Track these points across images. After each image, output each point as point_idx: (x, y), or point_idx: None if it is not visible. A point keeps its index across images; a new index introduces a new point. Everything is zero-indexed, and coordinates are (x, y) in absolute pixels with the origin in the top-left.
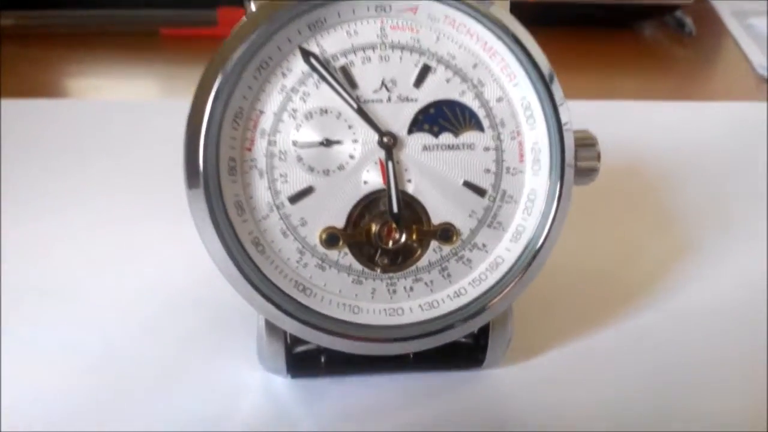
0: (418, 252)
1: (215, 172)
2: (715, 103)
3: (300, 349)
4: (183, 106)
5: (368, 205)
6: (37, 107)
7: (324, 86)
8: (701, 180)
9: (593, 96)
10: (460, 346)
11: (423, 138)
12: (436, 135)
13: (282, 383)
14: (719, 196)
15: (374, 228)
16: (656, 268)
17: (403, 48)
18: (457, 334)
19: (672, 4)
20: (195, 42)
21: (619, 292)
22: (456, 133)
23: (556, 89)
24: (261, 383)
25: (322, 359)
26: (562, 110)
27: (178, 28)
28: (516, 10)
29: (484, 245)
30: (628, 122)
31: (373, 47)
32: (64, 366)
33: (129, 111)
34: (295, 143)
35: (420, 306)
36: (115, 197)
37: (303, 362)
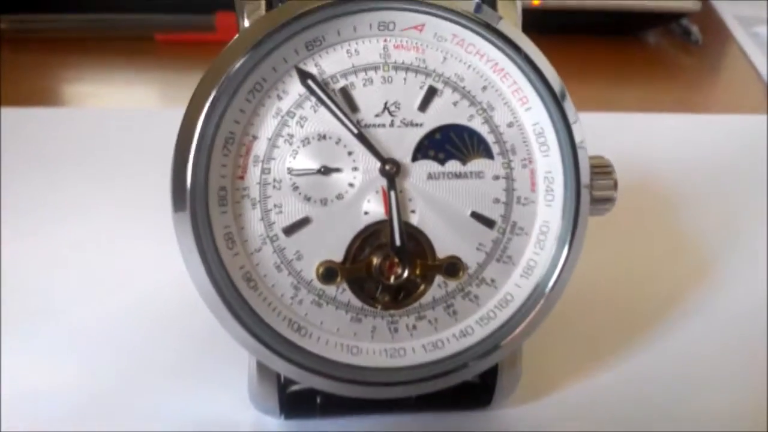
0: (422, 288)
1: (204, 202)
2: (723, 116)
3: (295, 388)
4: (181, 114)
5: (369, 237)
6: (35, 116)
7: (322, 110)
8: (711, 197)
9: (597, 106)
10: (466, 386)
11: (428, 165)
12: (442, 162)
13: (275, 423)
14: (731, 213)
15: (375, 262)
16: (670, 294)
17: (407, 69)
18: (463, 377)
19: (678, 12)
20: (194, 48)
21: (633, 321)
22: (464, 161)
23: (569, 107)
24: (252, 422)
25: (318, 400)
26: (575, 129)
27: (176, 33)
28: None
29: (492, 281)
30: (632, 135)
31: (375, 68)
32: (44, 384)
33: (127, 120)
34: (290, 171)
35: (423, 346)
36: (112, 208)
37: (298, 403)
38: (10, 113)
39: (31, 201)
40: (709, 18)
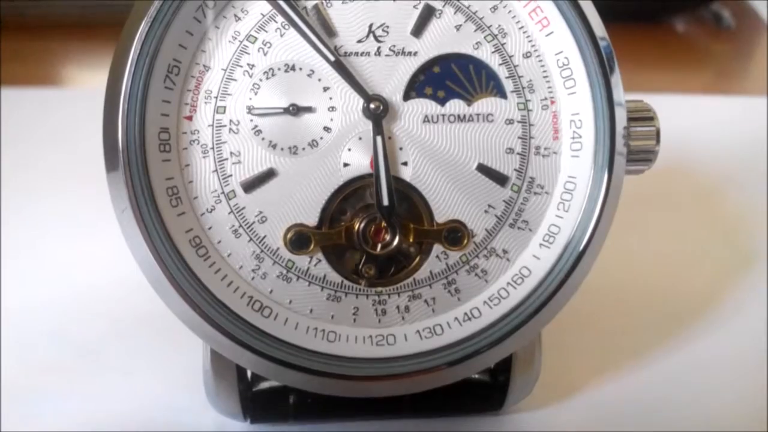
0: (417, 259)
1: (140, 147)
2: (759, 97)
3: (262, 386)
4: None
5: (350, 195)
6: (37, 96)
7: (291, 33)
8: (750, 182)
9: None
10: (473, 385)
11: (424, 106)
12: (441, 102)
13: (240, 429)
14: None
15: (358, 227)
16: (708, 288)
17: None
18: (468, 372)
19: None
20: None
21: (668, 315)
22: (469, 100)
23: (599, 28)
24: (214, 426)
25: (291, 400)
26: (612, 72)
27: None
28: None
29: (504, 252)
30: (665, 117)
31: None
32: None
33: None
34: (251, 110)
35: (418, 332)
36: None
37: (265, 404)
38: (11, 93)
39: (30, 180)
40: (739, 3)
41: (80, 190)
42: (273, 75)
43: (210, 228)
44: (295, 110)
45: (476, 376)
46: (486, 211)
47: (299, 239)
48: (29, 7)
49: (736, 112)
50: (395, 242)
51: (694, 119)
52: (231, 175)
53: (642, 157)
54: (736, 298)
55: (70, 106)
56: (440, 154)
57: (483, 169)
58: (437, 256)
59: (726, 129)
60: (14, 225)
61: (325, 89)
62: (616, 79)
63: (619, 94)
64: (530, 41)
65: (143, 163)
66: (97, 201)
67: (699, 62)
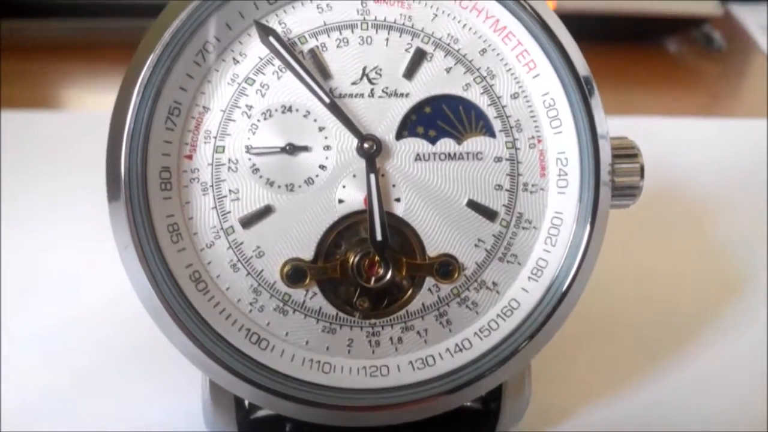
0: (409, 292)
1: (142, 186)
2: (750, 120)
3: (259, 414)
4: None
5: (344, 230)
6: (37, 119)
7: (288, 76)
8: (742, 205)
9: (617, 113)
10: (465, 413)
11: (416, 144)
12: (432, 141)
13: None
14: (763, 222)
15: (352, 261)
16: (699, 311)
17: (390, 28)
18: (460, 401)
19: (700, 17)
20: None
21: (658, 341)
22: (459, 139)
23: (584, 71)
24: None
25: (287, 428)
26: (594, 100)
27: None
28: None
29: (494, 284)
30: (656, 140)
31: (351, 26)
32: None
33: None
34: (249, 149)
35: (411, 363)
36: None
37: (262, 431)
38: (10, 116)
39: (30, 202)
40: (731, 24)
41: (80, 213)
42: (270, 116)
43: (209, 263)
44: (291, 149)
45: (468, 403)
46: (476, 245)
47: (295, 273)
48: (30, 29)
49: (729, 134)
50: (388, 276)
51: (687, 141)
52: (230, 212)
53: (627, 192)
54: (728, 321)
55: (71, 128)
56: (432, 190)
57: (473, 204)
58: (429, 289)
59: (719, 151)
60: (14, 249)
61: (321, 129)
62: (601, 119)
63: (604, 133)
64: (518, 83)
65: (145, 201)
66: (97, 225)
67: (690, 83)
